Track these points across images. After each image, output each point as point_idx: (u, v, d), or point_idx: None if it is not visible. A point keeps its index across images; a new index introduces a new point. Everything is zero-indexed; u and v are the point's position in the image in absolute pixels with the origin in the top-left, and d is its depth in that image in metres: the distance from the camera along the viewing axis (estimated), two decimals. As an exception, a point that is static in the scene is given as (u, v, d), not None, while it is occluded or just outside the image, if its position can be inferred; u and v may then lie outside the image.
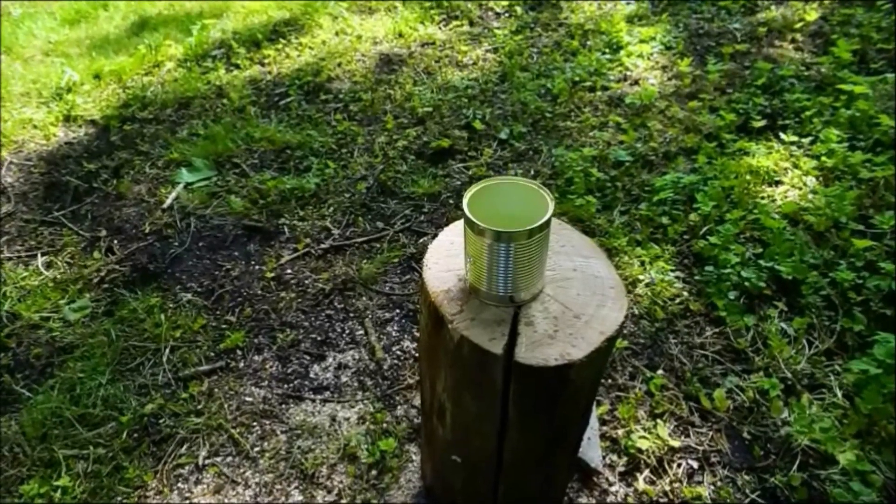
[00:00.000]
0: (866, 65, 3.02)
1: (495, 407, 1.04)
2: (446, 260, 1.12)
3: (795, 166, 2.50)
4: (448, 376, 1.09)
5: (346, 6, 4.06)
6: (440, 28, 3.85)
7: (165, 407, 1.72)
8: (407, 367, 1.81)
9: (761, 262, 2.01)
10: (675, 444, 1.55)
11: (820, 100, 2.78)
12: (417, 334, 1.90)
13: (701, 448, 1.55)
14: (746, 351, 1.78)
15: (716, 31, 3.58)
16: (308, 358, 1.86)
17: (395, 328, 1.94)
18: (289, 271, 2.16)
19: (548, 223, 0.96)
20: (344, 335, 1.93)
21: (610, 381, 1.73)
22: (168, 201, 2.48)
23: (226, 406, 1.72)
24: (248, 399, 1.74)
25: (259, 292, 2.09)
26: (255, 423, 1.67)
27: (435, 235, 2.27)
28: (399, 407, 1.70)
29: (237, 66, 3.50)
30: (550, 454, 1.18)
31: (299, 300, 2.05)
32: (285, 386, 1.78)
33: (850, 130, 2.60)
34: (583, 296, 1.04)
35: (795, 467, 1.50)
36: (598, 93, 3.10)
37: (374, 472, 1.55)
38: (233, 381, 1.79)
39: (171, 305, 2.04)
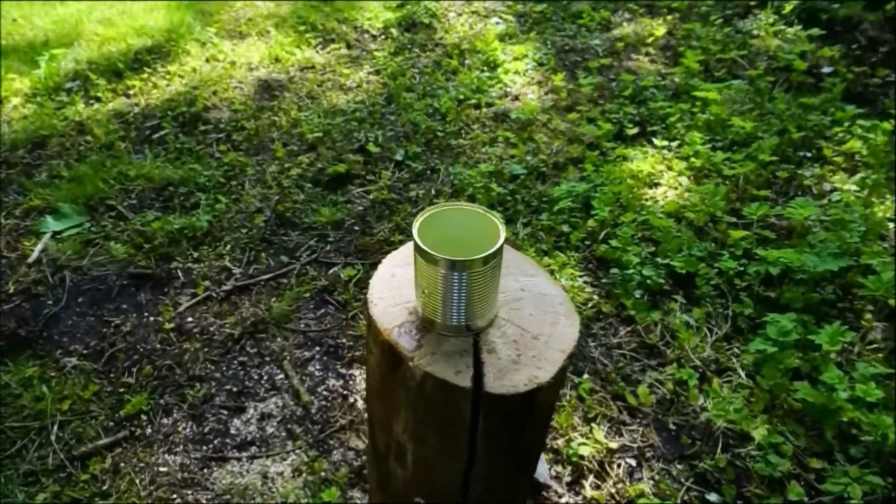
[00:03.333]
0: (711, 73, 3.36)
1: (462, 441, 0.99)
2: (391, 293, 1.06)
3: (669, 168, 2.71)
4: (409, 416, 1.02)
5: (215, 31, 3.83)
6: (317, 52, 3.75)
7: (62, 494, 1.48)
8: (336, 408, 1.70)
9: (658, 259, 2.14)
10: (613, 445, 1.59)
11: (680, 106, 3.04)
12: (342, 371, 1.80)
13: (635, 445, 1.60)
14: (658, 345, 1.88)
15: (580, 46, 3.81)
16: (225, 412, 1.69)
17: (318, 367, 1.82)
18: (189, 319, 1.96)
19: (501, 248, 0.93)
20: (262, 382, 1.78)
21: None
22: (34, 254, 2.16)
23: (137, 481, 1.51)
24: (162, 469, 1.54)
25: (158, 346, 1.87)
26: (175, 496, 1.48)
27: (346, 265, 2.20)
28: (335, 451, 1.59)
29: (98, 99, 3.16)
30: (515, 480, 1.15)
31: (206, 350, 1.86)
32: (204, 448, 1.60)
33: (709, 133, 2.87)
34: (536, 315, 1.03)
35: (719, 449, 1.59)
36: (484, 109, 3.17)
37: (318, 527, 1.43)
38: (141, 452, 1.58)
39: (52, 374, 1.77)
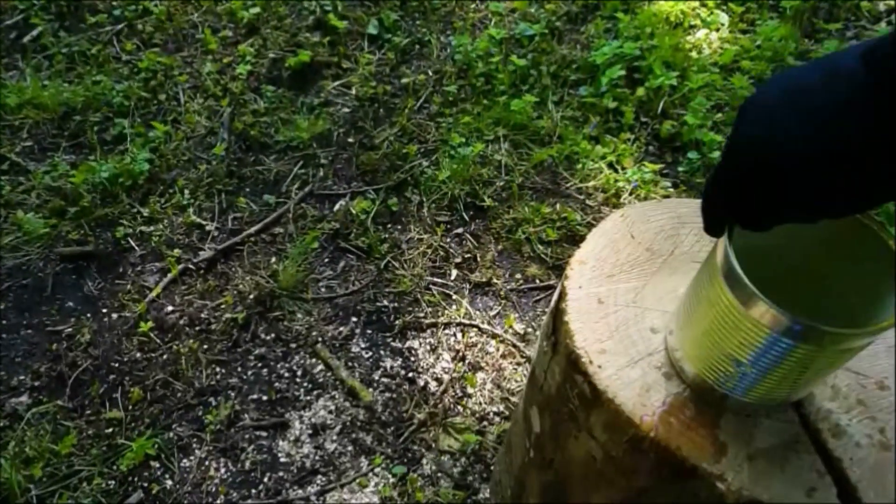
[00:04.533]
0: None
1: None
2: (615, 339, 0.61)
3: (703, 3, 2.20)
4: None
5: None
6: None
7: None
8: (406, 398, 1.30)
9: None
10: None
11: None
12: (396, 344, 1.37)
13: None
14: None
15: None
16: (265, 435, 1.25)
17: (363, 345, 1.38)
18: (170, 308, 1.43)
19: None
20: (298, 380, 1.33)
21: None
22: None
23: (178, 563, 1.10)
24: (206, 536, 1.13)
25: (139, 356, 1.36)
26: (237, 572, 1.09)
27: (353, 195, 1.61)
28: (425, 460, 1.21)
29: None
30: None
31: (206, 348, 1.37)
32: (254, 492, 1.18)
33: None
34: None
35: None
36: (458, -50, 2.45)
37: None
38: (168, 516, 1.15)
39: (0, 428, 1.25)
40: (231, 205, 1.64)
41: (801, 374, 0.49)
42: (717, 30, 2.10)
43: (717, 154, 1.61)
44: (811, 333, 0.45)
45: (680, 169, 1.66)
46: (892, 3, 2.19)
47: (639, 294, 0.64)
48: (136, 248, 1.54)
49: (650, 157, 1.74)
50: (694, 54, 1.99)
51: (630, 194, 1.62)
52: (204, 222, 1.58)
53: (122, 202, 1.61)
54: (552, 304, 0.69)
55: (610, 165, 1.70)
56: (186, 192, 1.64)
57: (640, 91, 1.84)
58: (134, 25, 2.13)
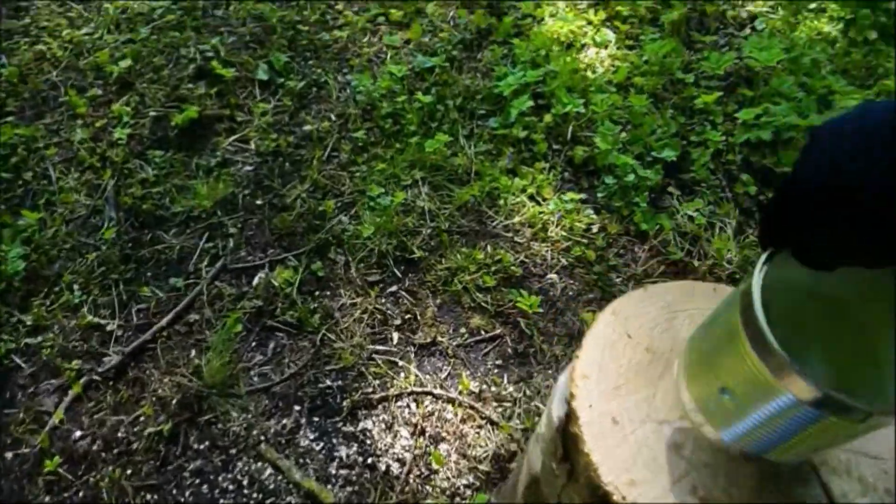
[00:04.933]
0: None
1: None
2: (642, 463, 0.56)
3: (589, 22, 2.25)
4: None
5: None
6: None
7: None
8: (370, 488, 1.20)
9: (635, 148, 1.77)
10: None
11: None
12: (347, 429, 1.27)
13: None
14: (684, 260, 1.59)
15: None
16: (217, 563, 1.11)
17: (311, 436, 1.26)
18: (78, 434, 1.23)
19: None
20: (245, 491, 1.19)
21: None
22: None
23: None
24: None
25: (48, 501, 1.15)
26: None
27: (272, 264, 1.43)
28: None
29: None
30: None
31: (130, 473, 1.19)
32: None
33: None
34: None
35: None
36: (339, -21, 2.34)
37: None
38: None
39: None
40: (133, 295, 1.44)
41: (821, 439, 0.48)
42: (606, 47, 2.15)
43: (632, 177, 1.64)
44: (839, 406, 0.43)
45: (599, 194, 1.68)
46: (754, 8, 2.35)
47: (651, 405, 0.61)
48: (23, 365, 1.31)
49: (567, 184, 1.74)
50: (590, 73, 2.03)
51: (556, 225, 1.62)
52: (103, 321, 1.38)
53: (-4, 311, 1.38)
54: (555, 421, 0.64)
55: (531, 198, 1.68)
56: (76, 287, 1.43)
57: (548, 118, 1.84)
58: (-22, 92, 1.84)
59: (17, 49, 1.97)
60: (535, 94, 1.89)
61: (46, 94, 1.86)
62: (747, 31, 2.31)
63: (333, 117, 1.86)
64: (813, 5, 2.30)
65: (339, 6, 2.24)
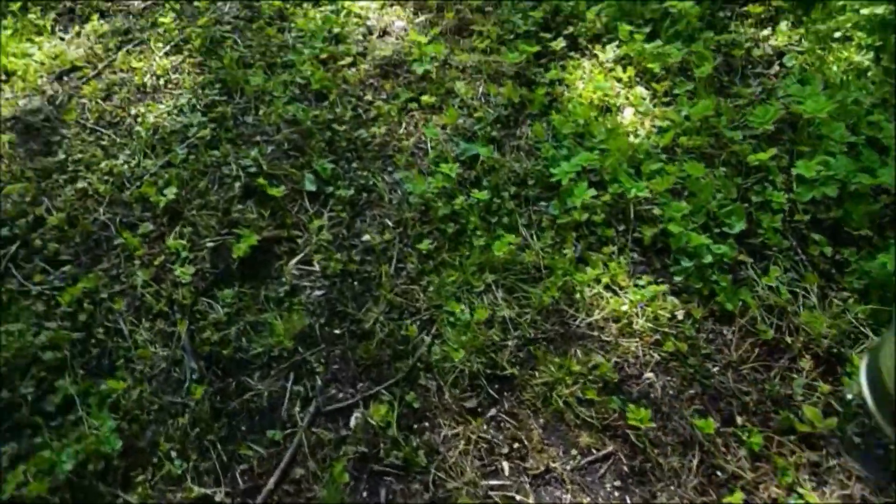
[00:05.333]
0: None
1: None
2: None
3: (618, 80, 2.23)
4: None
5: None
6: (62, 38, 2.42)
7: None
8: None
9: (699, 218, 1.74)
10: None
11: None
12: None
13: (849, 492, 1.33)
14: (776, 338, 1.56)
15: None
16: None
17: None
18: None
19: None
20: None
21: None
22: None
23: None
24: None
25: None
26: None
27: (365, 401, 1.31)
28: None
29: None
30: None
31: None
32: None
33: (632, 17, 2.39)
34: None
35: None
36: (362, 66, 2.32)
37: None
38: None
39: None
40: (232, 456, 1.41)
41: None
42: (642, 106, 2.13)
43: (709, 258, 1.62)
44: None
45: (675, 277, 1.65)
46: (778, 42, 2.33)
47: None
48: (141, 553, 1.27)
49: (639, 266, 1.71)
50: (633, 139, 2.01)
51: (640, 317, 1.58)
52: (210, 491, 1.35)
53: (99, 494, 1.34)
54: None
55: (607, 287, 1.65)
56: (174, 455, 1.39)
57: (606, 196, 1.81)
58: (29, 242, 1.81)
59: (57, 189, 1.94)
60: (588, 169, 1.86)
61: (98, 236, 1.82)
62: (776, 67, 2.30)
63: (391, 223, 1.83)
64: (838, 34, 2.29)
65: (368, 96, 2.21)
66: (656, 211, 1.75)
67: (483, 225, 1.77)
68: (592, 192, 1.74)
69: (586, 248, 1.73)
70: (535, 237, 1.76)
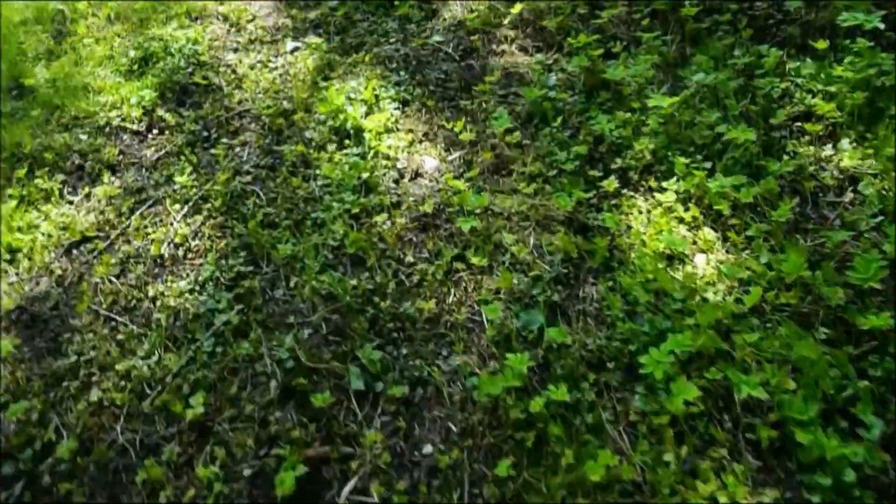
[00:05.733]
0: (610, 50, 2.63)
1: None
2: None
3: (681, 221, 2.02)
4: None
5: None
6: (69, 206, 2.22)
7: None
8: None
9: (813, 402, 1.47)
10: None
11: (621, 116, 2.30)
12: None
13: None
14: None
15: (425, 52, 2.82)
16: None
17: None
18: None
19: None
20: None
21: None
22: None
23: None
24: None
25: None
26: None
27: None
28: None
29: None
30: None
31: None
32: None
33: (680, 143, 2.20)
34: None
35: None
36: (399, 219, 2.11)
37: None
38: None
39: None
40: None
41: None
42: (713, 251, 1.91)
43: (852, 475, 1.34)
44: None
45: (814, 499, 1.37)
46: (848, 163, 2.13)
47: None
48: None
49: (759, 475, 1.44)
50: (711, 295, 1.77)
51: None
52: None
53: None
54: None
55: (726, 509, 1.37)
56: None
57: (702, 381, 1.56)
58: (36, 478, 1.54)
59: (67, 402, 1.69)
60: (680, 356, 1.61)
61: (116, 464, 1.56)
62: (849, 194, 2.09)
63: (455, 429, 1.56)
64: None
65: (409, 257, 1.99)
66: (786, 423, 1.47)
67: (565, 430, 1.51)
68: (694, 390, 1.47)
69: (691, 451, 1.46)
70: (626, 440, 1.50)
